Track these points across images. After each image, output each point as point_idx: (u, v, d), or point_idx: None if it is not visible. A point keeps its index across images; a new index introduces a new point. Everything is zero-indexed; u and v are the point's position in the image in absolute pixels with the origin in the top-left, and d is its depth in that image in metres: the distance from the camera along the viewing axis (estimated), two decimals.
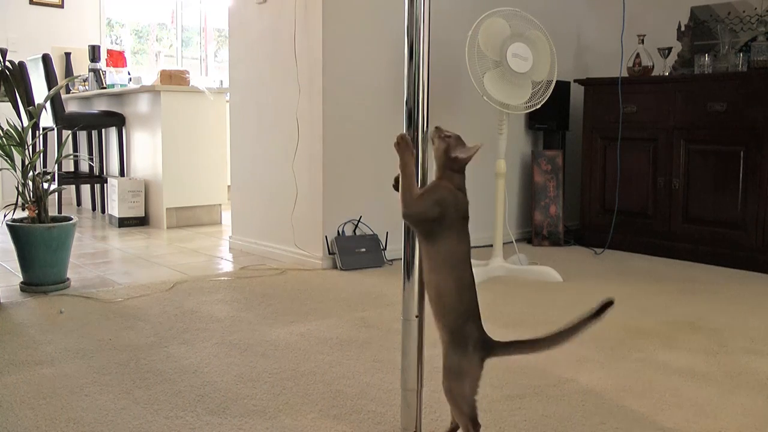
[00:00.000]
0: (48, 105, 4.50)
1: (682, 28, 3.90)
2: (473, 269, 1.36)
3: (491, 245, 3.24)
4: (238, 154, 3.82)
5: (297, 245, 3.40)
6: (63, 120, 4.58)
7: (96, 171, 5.30)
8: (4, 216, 2.88)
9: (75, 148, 5.49)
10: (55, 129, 4.55)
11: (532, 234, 4.04)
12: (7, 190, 5.56)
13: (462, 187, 1.35)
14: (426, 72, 1.38)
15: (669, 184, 3.58)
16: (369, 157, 3.41)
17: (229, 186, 4.36)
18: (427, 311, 1.40)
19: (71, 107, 5.59)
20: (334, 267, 3.26)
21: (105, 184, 5.07)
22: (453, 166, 1.33)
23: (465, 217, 1.34)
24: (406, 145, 1.35)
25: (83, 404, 1.64)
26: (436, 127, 1.35)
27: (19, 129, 2.80)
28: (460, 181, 1.35)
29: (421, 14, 1.36)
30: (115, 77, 5.29)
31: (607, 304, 1.25)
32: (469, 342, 1.29)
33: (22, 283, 2.78)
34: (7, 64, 2.87)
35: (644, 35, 3.82)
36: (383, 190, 3.46)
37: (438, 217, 1.30)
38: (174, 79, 4.62)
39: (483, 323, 1.34)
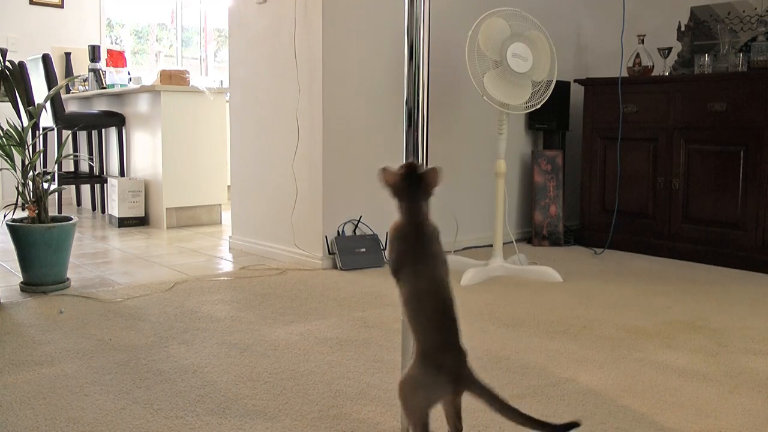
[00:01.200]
0: (48, 105, 4.50)
1: (682, 28, 3.90)
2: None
3: (491, 245, 3.24)
4: (238, 154, 3.82)
5: (297, 245, 3.40)
6: (63, 120, 4.58)
7: (96, 171, 5.30)
8: (4, 216, 2.88)
9: (75, 148, 5.49)
10: (55, 129, 4.55)
11: (532, 234, 4.04)
12: (7, 190, 5.56)
13: (407, 215, 1.29)
14: (426, 72, 1.38)
15: (669, 184, 3.58)
16: (369, 157, 3.41)
17: (229, 186, 4.36)
18: None
19: (71, 107, 5.59)
20: (334, 267, 3.26)
21: (105, 184, 5.07)
22: (391, 194, 1.30)
23: (415, 246, 1.27)
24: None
25: (83, 404, 1.64)
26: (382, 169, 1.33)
27: (19, 129, 2.80)
28: (405, 211, 1.29)
29: (421, 14, 1.36)
30: (115, 77, 5.29)
31: (573, 424, 1.19)
32: (441, 371, 1.22)
33: (22, 283, 2.78)
34: (7, 64, 2.87)
35: (644, 35, 3.83)
36: (383, 190, 3.46)
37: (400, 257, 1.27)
38: (174, 79, 4.62)
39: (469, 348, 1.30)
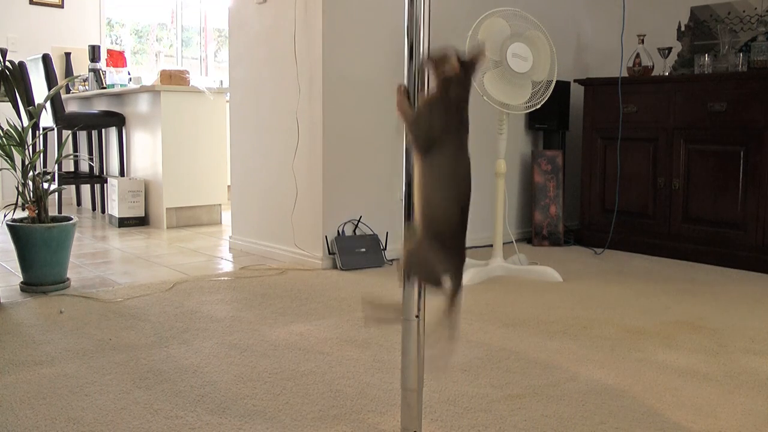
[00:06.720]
0: (48, 105, 4.50)
1: (682, 28, 3.90)
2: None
3: (491, 245, 3.24)
4: (238, 154, 3.82)
5: (297, 245, 3.40)
6: (63, 120, 4.58)
7: (96, 171, 5.30)
8: (4, 216, 2.88)
9: (75, 148, 5.49)
10: (55, 129, 4.55)
11: (532, 234, 4.04)
12: (7, 190, 5.56)
13: (457, 102, 1.27)
14: (426, 72, 1.38)
15: (669, 184, 3.58)
16: (369, 157, 3.41)
17: (229, 186, 4.36)
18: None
19: (71, 107, 5.59)
20: (334, 267, 3.26)
21: (105, 184, 5.07)
22: (447, 85, 1.27)
23: (461, 130, 1.28)
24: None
25: (83, 404, 1.64)
26: (428, 56, 1.28)
27: (19, 129, 2.80)
28: (456, 96, 1.27)
29: (421, 14, 1.36)
30: (115, 77, 5.29)
31: None
32: (448, 254, 1.26)
33: (22, 283, 2.78)
34: (7, 64, 2.87)
35: (644, 35, 3.82)
36: (383, 190, 3.46)
37: None
38: (174, 79, 4.62)
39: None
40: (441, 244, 1.24)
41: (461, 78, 1.25)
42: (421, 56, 1.36)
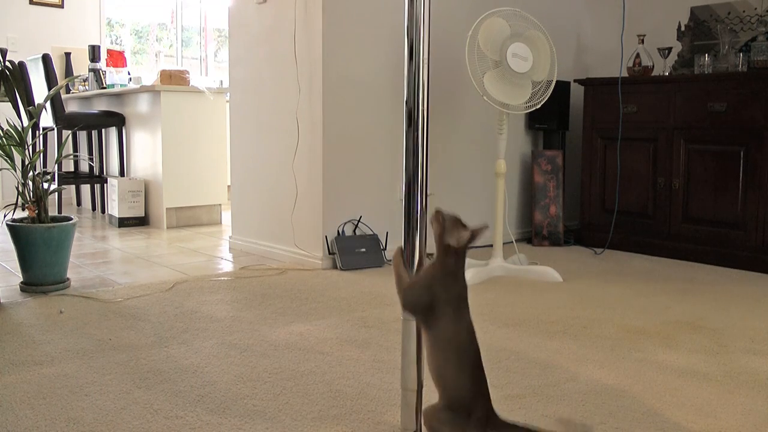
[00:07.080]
0: (48, 105, 4.50)
1: (682, 28, 3.90)
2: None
3: (491, 245, 3.24)
4: (238, 154, 3.82)
5: (297, 245, 3.40)
6: (63, 120, 4.58)
7: (96, 171, 5.30)
8: (4, 216, 2.88)
9: (75, 148, 5.49)
10: (55, 129, 4.55)
11: (532, 234, 4.04)
12: (7, 190, 5.56)
13: (454, 271, 1.30)
14: (426, 72, 1.38)
15: (669, 184, 3.58)
16: (369, 157, 3.41)
17: (229, 186, 4.36)
18: None
19: (71, 107, 5.59)
20: (334, 267, 3.26)
21: (105, 184, 5.07)
22: (447, 252, 1.30)
23: (459, 298, 1.31)
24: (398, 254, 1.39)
25: (83, 404, 1.64)
26: (436, 210, 1.32)
27: (19, 129, 2.80)
28: (453, 266, 1.31)
29: (421, 14, 1.36)
30: (115, 77, 5.29)
31: None
32: (471, 418, 1.26)
33: (22, 283, 2.78)
34: (7, 64, 2.87)
35: (644, 35, 3.83)
36: (383, 190, 3.46)
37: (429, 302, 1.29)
38: (174, 79, 4.62)
39: (489, 383, 1.33)
40: (461, 410, 1.27)
41: (463, 251, 1.30)
42: (421, 69, 1.36)
